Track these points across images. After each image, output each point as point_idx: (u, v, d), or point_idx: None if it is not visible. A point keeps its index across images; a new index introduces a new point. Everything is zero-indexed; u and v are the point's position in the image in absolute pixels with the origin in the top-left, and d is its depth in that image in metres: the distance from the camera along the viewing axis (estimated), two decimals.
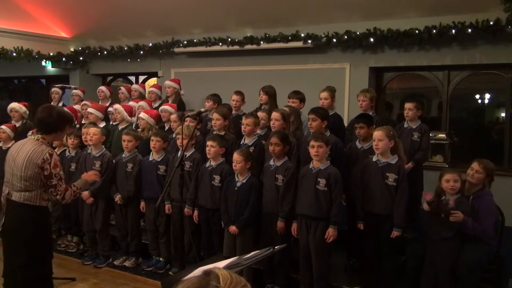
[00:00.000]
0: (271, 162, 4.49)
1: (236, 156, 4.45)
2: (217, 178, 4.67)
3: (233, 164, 4.47)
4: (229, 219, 4.49)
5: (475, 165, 4.16)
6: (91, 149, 5.32)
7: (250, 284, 1.27)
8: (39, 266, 3.55)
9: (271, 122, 4.82)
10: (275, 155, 4.42)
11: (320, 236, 4.14)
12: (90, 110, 6.38)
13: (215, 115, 5.17)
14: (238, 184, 4.49)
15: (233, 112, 5.80)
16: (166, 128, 5.94)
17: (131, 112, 6.42)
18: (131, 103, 6.80)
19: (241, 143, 5.00)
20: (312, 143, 4.17)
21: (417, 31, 5.92)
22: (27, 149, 3.46)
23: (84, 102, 6.93)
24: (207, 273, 1.24)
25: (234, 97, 5.85)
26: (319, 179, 4.15)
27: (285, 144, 4.41)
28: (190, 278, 1.28)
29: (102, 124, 6.27)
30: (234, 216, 4.47)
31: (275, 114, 4.80)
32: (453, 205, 3.95)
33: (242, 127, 4.95)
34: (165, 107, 6.10)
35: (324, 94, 5.31)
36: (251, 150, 4.76)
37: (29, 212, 3.48)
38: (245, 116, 5.09)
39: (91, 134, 5.24)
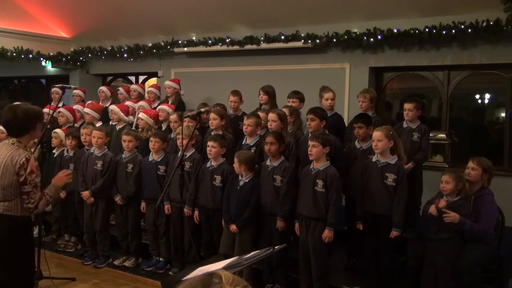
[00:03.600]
0: (268, 163, 4.49)
1: (235, 157, 4.48)
2: (218, 178, 4.68)
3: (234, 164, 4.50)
4: (230, 218, 4.49)
5: (470, 163, 4.19)
6: (94, 149, 5.33)
7: (250, 285, 1.34)
8: (18, 287, 3.26)
9: (268, 123, 4.81)
10: (271, 155, 4.43)
11: (319, 236, 4.14)
12: (86, 110, 6.41)
13: (212, 115, 5.16)
14: (241, 183, 4.50)
15: (232, 112, 5.79)
16: (163, 128, 5.93)
17: (127, 112, 6.42)
18: (128, 102, 6.80)
19: (243, 143, 5.00)
20: (308, 142, 4.20)
21: (417, 31, 5.91)
22: (2, 155, 3.16)
23: (88, 102, 6.92)
24: (210, 273, 1.33)
25: (232, 97, 5.81)
26: (317, 181, 4.15)
27: (280, 143, 4.41)
28: (193, 277, 1.37)
29: (98, 124, 6.27)
30: (234, 214, 4.47)
31: (271, 115, 4.80)
32: (444, 205, 3.94)
33: (244, 127, 4.93)
34: (163, 106, 6.09)
35: (330, 95, 5.32)
36: (252, 151, 4.77)
37: (8, 224, 3.19)
38: (246, 116, 5.08)
39: (96, 137, 5.23)
